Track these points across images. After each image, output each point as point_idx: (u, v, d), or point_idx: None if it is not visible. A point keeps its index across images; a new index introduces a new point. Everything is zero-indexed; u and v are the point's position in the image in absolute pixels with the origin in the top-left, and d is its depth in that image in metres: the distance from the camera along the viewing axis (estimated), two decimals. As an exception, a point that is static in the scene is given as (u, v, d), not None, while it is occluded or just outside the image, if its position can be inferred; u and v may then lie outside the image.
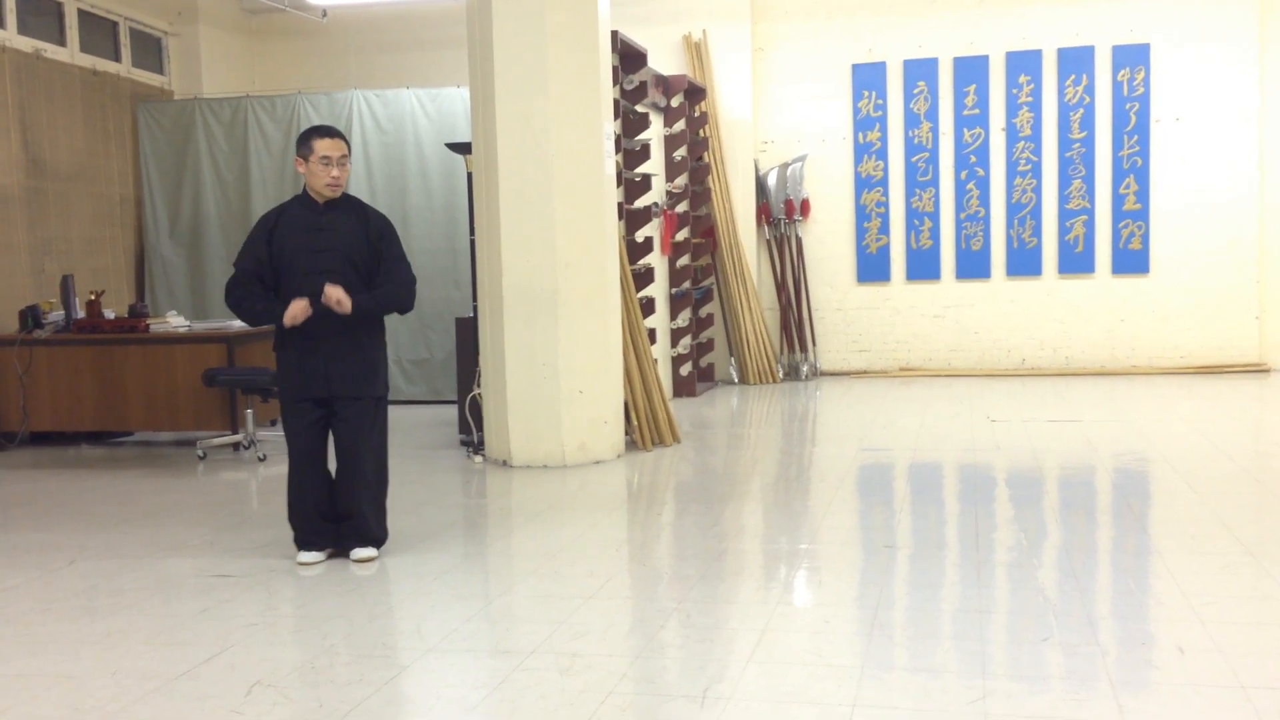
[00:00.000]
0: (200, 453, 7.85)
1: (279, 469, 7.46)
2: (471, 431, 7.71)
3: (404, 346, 10.34)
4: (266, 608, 4.39)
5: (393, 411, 9.79)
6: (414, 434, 8.66)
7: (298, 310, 4.87)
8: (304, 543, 5.07)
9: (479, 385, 7.60)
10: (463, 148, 7.98)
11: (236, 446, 7.97)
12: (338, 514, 5.08)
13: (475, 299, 7.61)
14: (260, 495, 6.82)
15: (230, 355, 7.92)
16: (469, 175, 7.68)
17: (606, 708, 3.28)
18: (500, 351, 7.15)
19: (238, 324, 8.46)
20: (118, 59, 10.47)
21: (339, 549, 5.09)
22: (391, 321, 10.10)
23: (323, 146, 4.91)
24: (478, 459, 7.41)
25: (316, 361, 4.96)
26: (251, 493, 6.90)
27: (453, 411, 8.46)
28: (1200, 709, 3.15)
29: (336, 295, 4.85)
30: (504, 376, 7.14)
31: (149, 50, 10.95)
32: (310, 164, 4.93)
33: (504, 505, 6.39)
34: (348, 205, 5.13)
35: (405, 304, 5.16)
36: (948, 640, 3.80)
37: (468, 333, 7.88)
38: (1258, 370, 10.52)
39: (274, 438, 8.32)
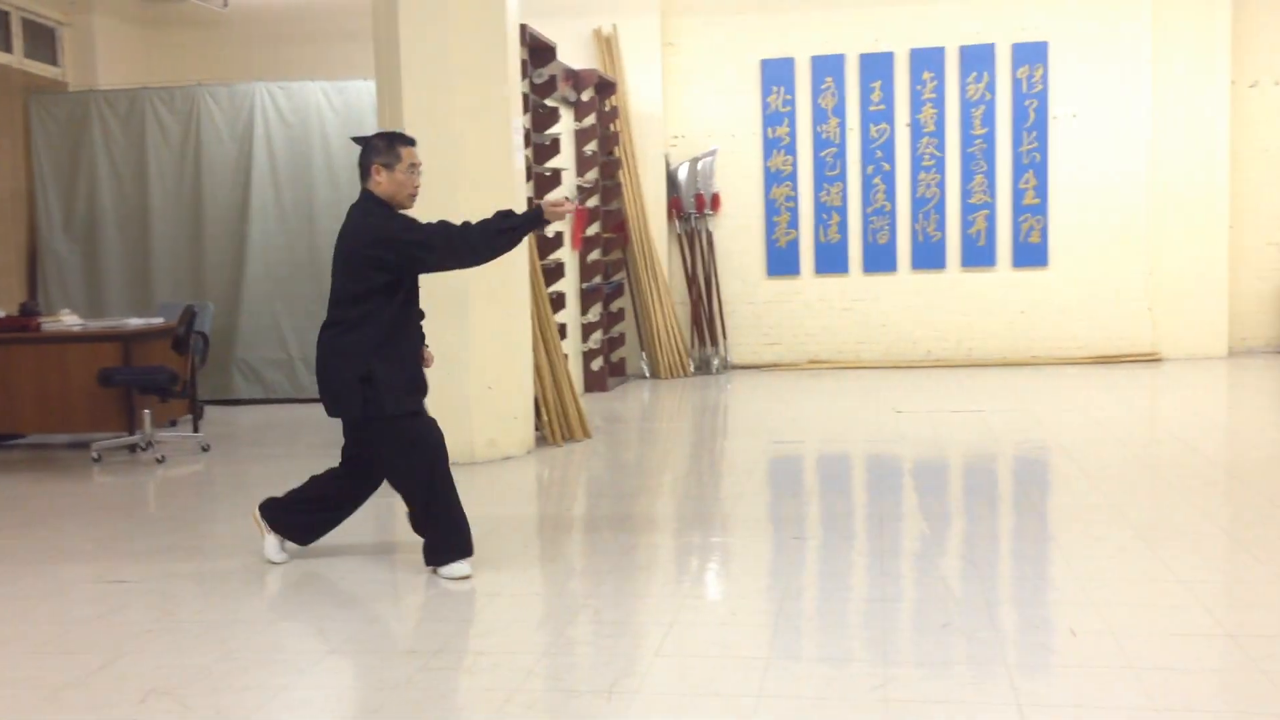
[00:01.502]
0: (95, 455, 7.64)
1: (178, 471, 7.30)
2: (379, 429, 7.59)
3: (311, 343, 10.07)
4: (163, 613, 4.29)
5: (300, 410, 9.77)
6: (322, 432, 8.52)
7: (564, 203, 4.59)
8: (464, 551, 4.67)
9: (387, 382, 7.49)
10: (368, 141, 7.86)
11: (133, 448, 7.76)
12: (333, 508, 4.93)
13: (382, 295, 7.50)
14: (158, 498, 6.65)
15: (127, 354, 7.72)
16: (374, 169, 7.55)
17: (511, 706, 3.26)
18: (408, 348, 7.06)
19: (135, 322, 8.25)
20: (9, 50, 10.12)
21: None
22: (298, 318, 10.07)
23: (410, 154, 4.64)
24: (386, 457, 7.30)
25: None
26: (149, 496, 6.73)
27: (360, 409, 8.34)
28: (1091, 689, 3.23)
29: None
30: (412, 373, 7.04)
31: (42, 41, 10.61)
32: (396, 172, 4.58)
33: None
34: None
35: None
36: (852, 629, 3.86)
37: (375, 329, 7.76)
38: (1150, 360, 10.84)
39: (172, 439, 8.15)
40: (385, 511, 6.21)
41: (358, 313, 4.52)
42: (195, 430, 8.14)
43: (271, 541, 4.91)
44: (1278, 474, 6.08)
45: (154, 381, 7.49)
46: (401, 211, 4.64)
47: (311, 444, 8.05)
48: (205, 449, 7.87)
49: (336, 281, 4.61)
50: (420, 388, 4.70)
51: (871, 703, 3.18)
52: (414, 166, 4.65)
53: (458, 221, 4.65)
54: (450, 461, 6.67)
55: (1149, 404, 8.88)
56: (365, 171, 4.64)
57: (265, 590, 4.58)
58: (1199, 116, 10.71)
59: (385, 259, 4.49)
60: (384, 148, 4.62)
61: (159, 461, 7.49)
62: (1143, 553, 4.61)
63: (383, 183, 4.60)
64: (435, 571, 4.62)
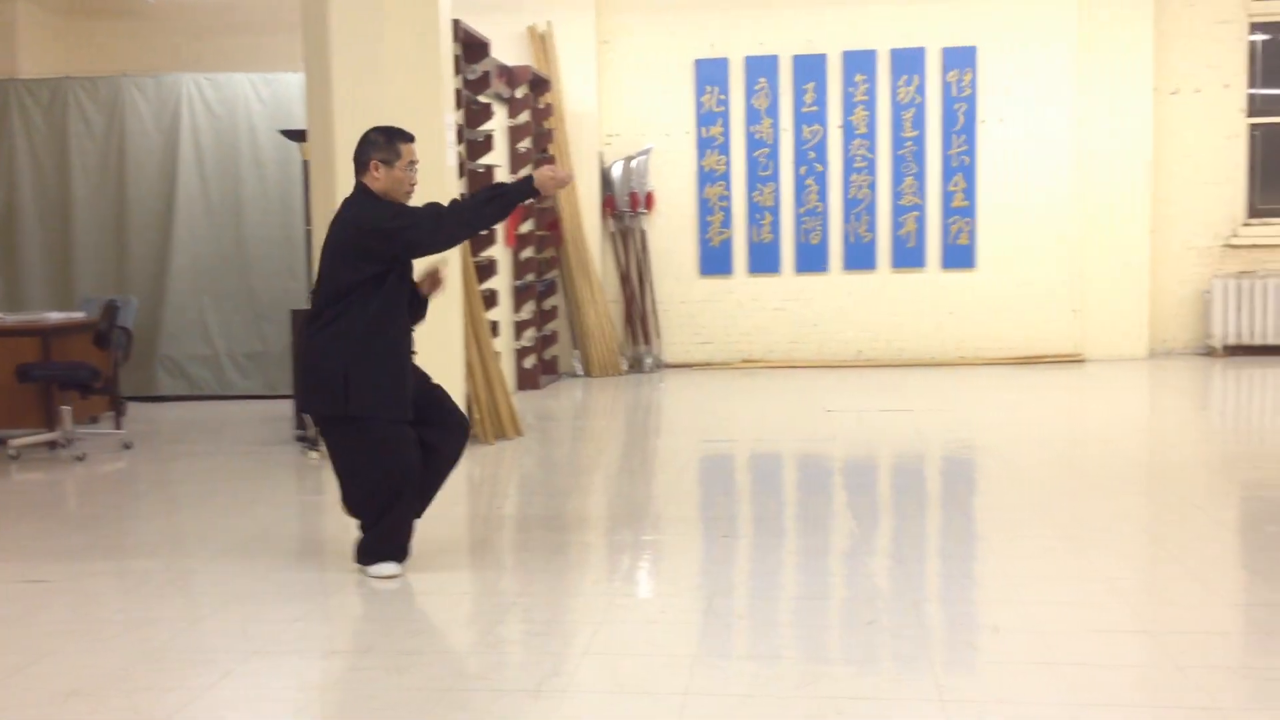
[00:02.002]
0: (13, 452, 7.43)
1: (98, 468, 7.15)
2: (307, 427, 7.51)
3: (238, 340, 10.02)
4: (84, 614, 4.19)
5: (227, 407, 9.62)
6: (249, 430, 8.40)
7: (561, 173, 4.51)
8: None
9: (315, 379, 7.40)
10: (298, 135, 7.77)
11: (53, 445, 7.57)
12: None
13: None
14: (78, 496, 6.51)
15: (46, 349, 7.54)
16: (305, 163, 7.47)
17: (439, 705, 3.24)
18: (337, 344, 6.98)
19: (55, 316, 8.07)
20: (-77, 35, 9.84)
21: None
22: (226, 313, 9.92)
23: (409, 151, 4.53)
24: (313, 455, 7.22)
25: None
26: (69, 494, 6.58)
27: (288, 406, 8.24)
28: (1013, 685, 3.29)
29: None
30: (341, 370, 6.97)
31: (-41, 27, 10.33)
32: (394, 169, 4.48)
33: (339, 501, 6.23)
34: None
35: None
36: (780, 627, 3.89)
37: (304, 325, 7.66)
38: (1074, 361, 11.06)
39: (93, 436, 7.97)
40: (312, 510, 6.14)
41: (343, 306, 4.43)
42: (117, 427, 7.97)
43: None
44: (1195, 474, 6.24)
45: (74, 377, 7.33)
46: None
47: (237, 442, 7.93)
48: (127, 446, 7.71)
49: (324, 275, 4.52)
50: (401, 392, 4.48)
51: (798, 700, 3.21)
52: (413, 164, 4.56)
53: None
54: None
55: (1072, 404, 9.06)
56: (362, 165, 4.54)
57: (188, 589, 4.50)
58: (1123, 123, 10.94)
59: (375, 248, 4.41)
60: (383, 143, 4.51)
61: (79, 459, 7.31)
62: (1065, 551, 4.70)
63: (380, 179, 4.50)
64: (363, 570, 4.57)
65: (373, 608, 4.20)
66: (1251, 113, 11.12)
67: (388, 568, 4.52)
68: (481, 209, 4.55)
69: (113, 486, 6.80)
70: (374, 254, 4.41)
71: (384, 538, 4.55)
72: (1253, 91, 11.12)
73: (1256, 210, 11.22)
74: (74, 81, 10.04)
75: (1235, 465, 6.52)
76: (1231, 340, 10.98)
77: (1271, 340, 10.91)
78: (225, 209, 9.98)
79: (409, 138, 4.57)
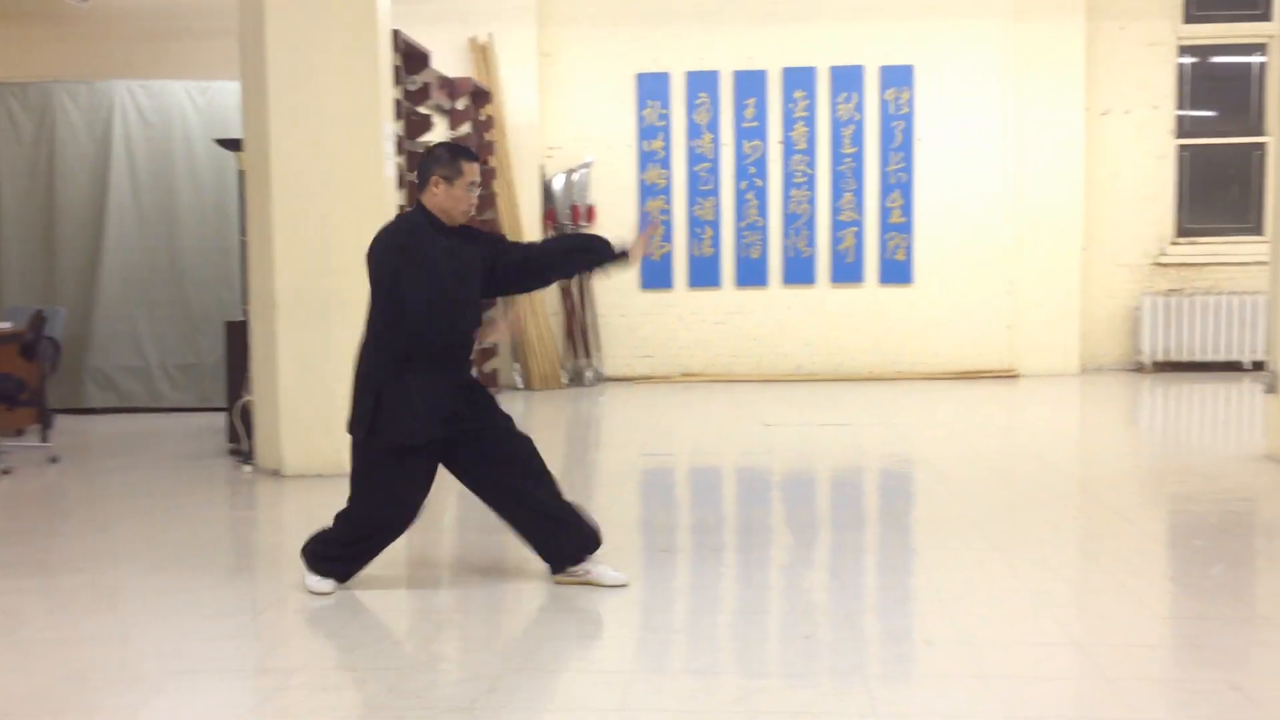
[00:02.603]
0: (-63, 465, 7.25)
1: (24, 483, 6.98)
2: (241, 440, 7.40)
3: (170, 351, 9.84)
4: (7, 632, 4.09)
5: (159, 420, 9.44)
6: (181, 443, 8.25)
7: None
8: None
9: (250, 392, 7.31)
10: (234, 144, 7.67)
11: (-21, 458, 7.39)
12: None
13: (247, 302, 7.32)
14: (2, 511, 6.34)
15: (-28, 360, 7.35)
16: (240, 173, 7.38)
17: (372, 724, 3.20)
18: (273, 356, 6.90)
19: (-19, 326, 7.88)
20: None
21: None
22: (158, 324, 9.74)
23: (472, 171, 4.43)
24: (247, 468, 7.12)
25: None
26: (-6, 508, 6.42)
27: (222, 419, 8.11)
28: (945, 698, 3.32)
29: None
30: (276, 382, 6.88)
31: (-118, 28, 10.07)
32: (455, 187, 4.38)
33: (275, 516, 6.16)
34: (466, 229, 4.62)
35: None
36: (717, 641, 3.89)
37: (239, 337, 7.56)
38: (1008, 376, 11.22)
39: (19, 449, 7.78)
40: (245, 525, 6.05)
41: (371, 330, 4.42)
42: (44, 440, 7.79)
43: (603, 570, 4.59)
44: (1125, 488, 6.35)
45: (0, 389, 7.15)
46: (392, 246, 4.39)
47: (168, 456, 7.79)
48: (54, 460, 7.54)
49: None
50: (427, 422, 4.36)
51: (734, 714, 3.21)
52: (473, 184, 4.46)
53: None
54: (316, 473, 6.55)
55: (1006, 419, 9.19)
56: (423, 181, 4.46)
57: (115, 607, 4.40)
58: (1055, 142, 11.14)
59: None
60: (447, 159, 4.43)
61: (4, 473, 7.13)
62: (998, 564, 4.76)
63: (439, 195, 4.41)
64: (305, 571, 4.51)
65: (306, 624, 4.14)
66: (1180, 134, 11.38)
67: (325, 584, 4.47)
68: (433, 329, 4.41)
69: (39, 501, 6.64)
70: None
71: (337, 556, 4.49)
72: (1181, 113, 11.39)
73: (1184, 229, 11.48)
74: (3, 87, 9.83)
75: (1163, 480, 6.65)
76: (1160, 356, 11.21)
77: (1199, 357, 11.16)
78: (159, 218, 9.81)
79: (474, 157, 4.50)
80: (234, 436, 7.54)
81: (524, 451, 4.60)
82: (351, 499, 4.53)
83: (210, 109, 9.74)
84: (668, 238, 11.43)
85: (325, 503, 6.18)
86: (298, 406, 6.87)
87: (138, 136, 9.78)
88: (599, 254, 4.64)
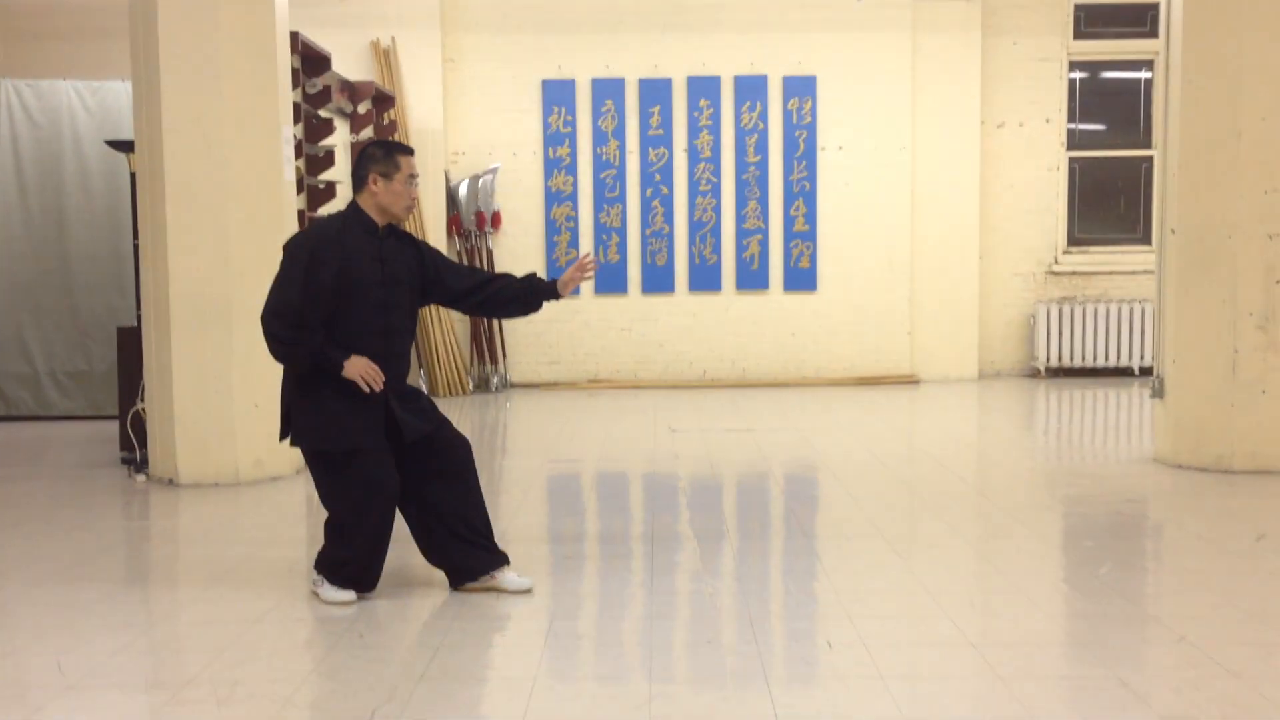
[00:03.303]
0: None
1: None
2: (134, 449, 7.20)
3: (60, 358, 9.54)
4: (-122, 651, 3.91)
5: (47, 428, 9.14)
6: (71, 452, 8.00)
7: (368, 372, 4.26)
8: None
9: (143, 399, 7.11)
10: (126, 146, 7.46)
11: None
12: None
13: (140, 307, 7.13)
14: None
15: None
16: (133, 175, 7.19)
17: (267, 738, 3.13)
18: (167, 364, 6.73)
19: None
20: None
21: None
22: (47, 330, 9.45)
23: (409, 164, 4.35)
24: (140, 478, 6.93)
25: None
26: None
27: (114, 428, 7.88)
28: (844, 699, 3.36)
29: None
30: (170, 390, 6.71)
31: None
32: (394, 182, 4.32)
33: (168, 526, 6.00)
34: (399, 230, 4.52)
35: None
36: (621, 647, 3.88)
37: (131, 343, 7.36)
38: (909, 382, 11.43)
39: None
40: (138, 536, 5.88)
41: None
42: (-76, 451, 7.49)
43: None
44: (1020, 490, 6.51)
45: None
46: (304, 246, 4.33)
47: (58, 465, 7.55)
48: (-65, 471, 7.25)
49: None
50: (344, 428, 4.29)
51: (638, 719, 3.21)
52: (413, 177, 4.40)
53: None
54: (213, 482, 6.39)
55: (907, 424, 9.36)
56: (359, 181, 4.37)
57: (1, 621, 4.24)
58: (953, 154, 11.40)
59: None
60: (381, 156, 4.36)
61: (-120, 485, 6.84)
62: (896, 566, 4.84)
63: (379, 193, 4.34)
64: (319, 583, 4.42)
65: (199, 637, 4.03)
66: (1071, 146, 11.73)
67: (343, 594, 4.39)
68: (291, 351, 4.28)
69: (-83, 514, 6.37)
70: None
71: (345, 559, 4.41)
72: (1072, 126, 11.74)
73: (1076, 239, 11.83)
74: (-120, 83, 9.45)
75: (1056, 482, 6.83)
76: (1054, 362, 11.53)
77: (1091, 362, 11.50)
78: (46, 222, 9.50)
79: (409, 151, 4.45)
80: (126, 445, 7.33)
81: (458, 464, 4.52)
82: (325, 507, 4.48)
83: (101, 110, 9.47)
84: (574, 244, 11.42)
85: (220, 513, 6.07)
86: (193, 414, 6.72)
87: (25, 137, 9.47)
88: (545, 293, 4.64)
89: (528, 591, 4.44)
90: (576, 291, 4.81)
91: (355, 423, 4.30)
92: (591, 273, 4.75)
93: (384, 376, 4.29)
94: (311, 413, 4.33)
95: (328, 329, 4.27)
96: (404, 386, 4.46)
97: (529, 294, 4.65)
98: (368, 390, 4.25)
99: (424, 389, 10.90)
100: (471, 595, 4.49)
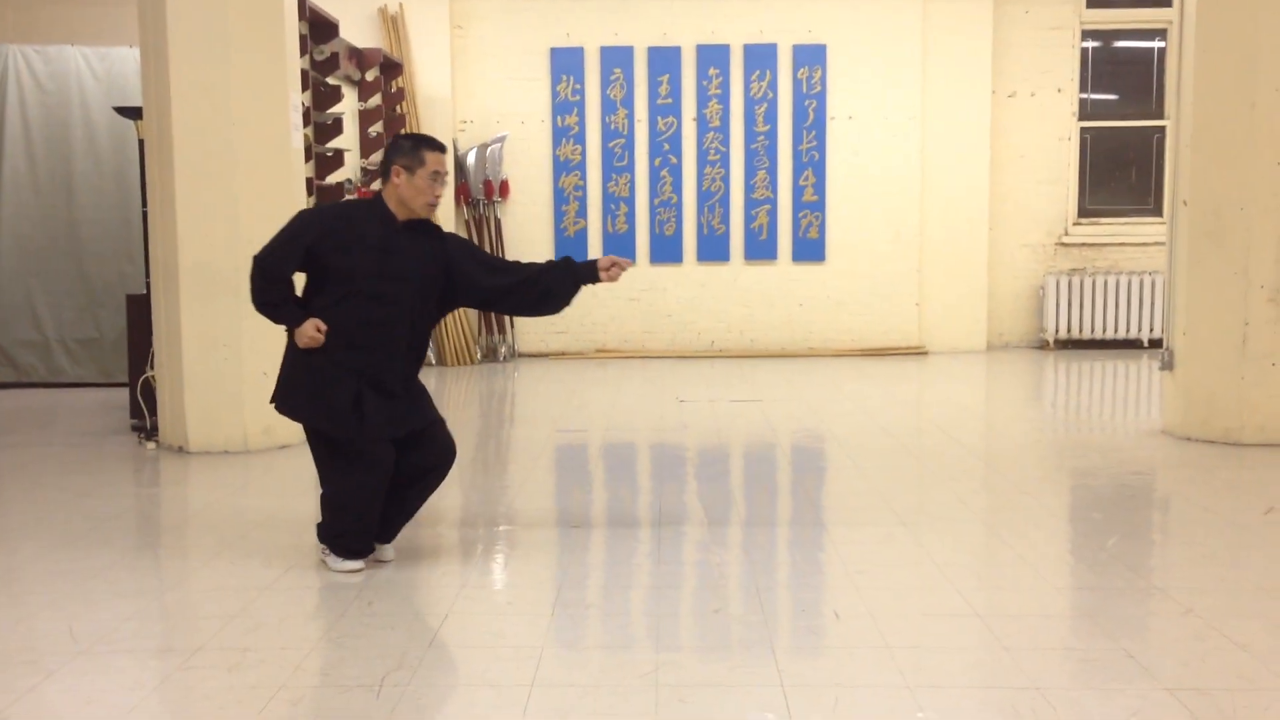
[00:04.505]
0: None
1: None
2: (144, 416, 7.23)
3: (70, 325, 9.56)
4: (-108, 615, 3.94)
5: (58, 395, 9.17)
6: (82, 419, 8.03)
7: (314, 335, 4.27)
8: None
9: (153, 367, 7.13)
10: (134, 112, 7.45)
11: None
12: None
13: (149, 275, 7.13)
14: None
15: None
16: (141, 142, 7.17)
17: (276, 703, 3.15)
18: (176, 331, 6.74)
19: None
20: None
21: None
22: (57, 297, 9.45)
23: (435, 160, 4.29)
24: (150, 445, 6.96)
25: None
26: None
27: (124, 395, 7.91)
28: (850, 669, 3.37)
29: None
30: (180, 358, 6.73)
31: None
32: (416, 177, 4.28)
33: (178, 494, 6.03)
34: (423, 226, 4.45)
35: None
36: (628, 616, 3.90)
37: (141, 311, 7.37)
38: (917, 353, 11.42)
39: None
40: (148, 502, 5.91)
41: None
42: (-65, 417, 7.53)
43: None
44: (1028, 462, 6.51)
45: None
46: (311, 220, 4.41)
47: (68, 432, 7.58)
48: (-54, 437, 7.30)
49: None
50: (325, 408, 4.28)
51: (643, 688, 3.23)
52: (438, 174, 4.34)
53: None
54: (222, 450, 6.42)
55: (914, 395, 9.35)
56: (384, 171, 4.35)
57: (10, 587, 4.27)
58: (963, 124, 11.34)
59: None
60: (408, 148, 4.32)
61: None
62: (904, 538, 4.85)
63: (400, 185, 4.30)
64: (327, 556, 4.45)
65: (210, 604, 4.06)
66: (1082, 116, 11.66)
67: (351, 564, 4.41)
68: (265, 290, 4.36)
69: (-71, 480, 6.42)
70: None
71: (343, 531, 4.42)
72: (1084, 96, 11.66)
73: (1086, 210, 11.78)
74: (-113, 49, 9.43)
75: (1064, 454, 6.82)
76: (1063, 334, 11.51)
77: (1100, 334, 11.47)
78: (55, 188, 9.50)
79: (438, 147, 4.39)
80: (136, 412, 7.36)
81: (435, 461, 4.55)
82: (320, 481, 4.50)
83: (109, 76, 9.45)
84: (582, 213, 11.40)
85: (230, 480, 6.10)
86: (203, 382, 6.73)
87: (32, 103, 9.45)
88: (585, 276, 4.75)
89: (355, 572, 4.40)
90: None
91: (334, 408, 4.29)
92: (621, 273, 4.79)
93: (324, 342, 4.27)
94: (296, 381, 4.35)
95: (306, 301, 4.35)
96: (396, 382, 4.39)
97: (569, 281, 4.69)
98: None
99: (432, 359, 10.91)
100: (486, 565, 4.51)
